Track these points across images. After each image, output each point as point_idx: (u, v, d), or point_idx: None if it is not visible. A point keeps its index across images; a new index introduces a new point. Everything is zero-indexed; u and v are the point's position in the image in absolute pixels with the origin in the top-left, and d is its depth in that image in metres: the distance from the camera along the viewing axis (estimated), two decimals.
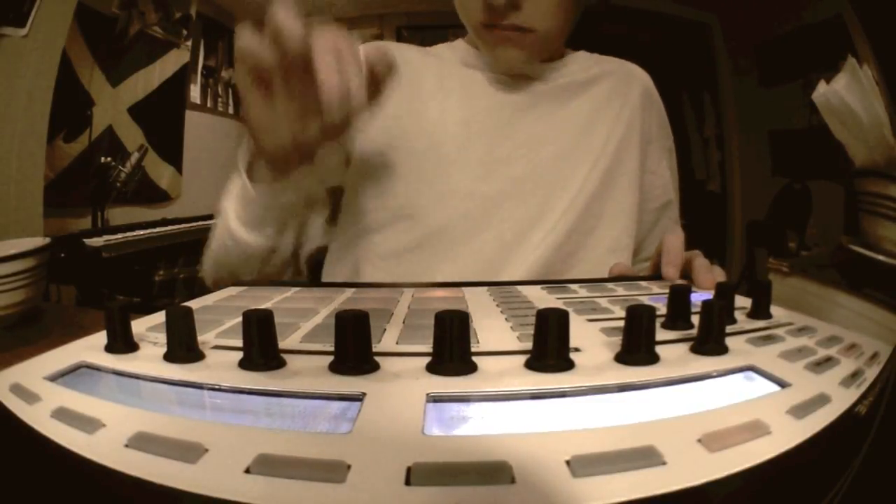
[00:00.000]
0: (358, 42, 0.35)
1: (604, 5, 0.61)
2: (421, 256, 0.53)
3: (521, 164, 0.55)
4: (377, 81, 0.38)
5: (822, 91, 0.63)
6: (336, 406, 0.17)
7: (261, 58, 0.34)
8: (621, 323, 0.21)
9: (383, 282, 0.42)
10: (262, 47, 0.34)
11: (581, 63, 0.61)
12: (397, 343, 0.23)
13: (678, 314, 0.25)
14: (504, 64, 0.56)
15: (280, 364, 0.20)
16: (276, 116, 0.37)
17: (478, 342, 0.23)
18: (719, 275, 0.38)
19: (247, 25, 0.34)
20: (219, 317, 0.27)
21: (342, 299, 0.33)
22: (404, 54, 0.62)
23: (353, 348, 0.19)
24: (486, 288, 0.37)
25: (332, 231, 0.59)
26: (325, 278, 0.61)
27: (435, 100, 0.57)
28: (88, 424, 0.16)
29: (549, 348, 0.19)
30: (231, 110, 2.74)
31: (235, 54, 0.35)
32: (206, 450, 0.14)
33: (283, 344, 0.22)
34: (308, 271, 0.57)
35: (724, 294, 0.27)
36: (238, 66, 0.36)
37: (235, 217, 0.45)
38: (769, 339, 0.23)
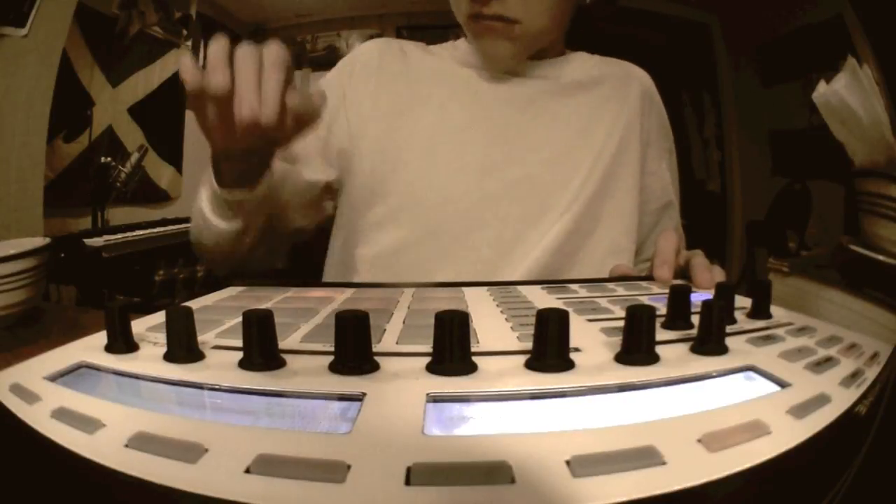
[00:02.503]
0: (284, 73, 0.38)
1: (604, 8, 0.61)
2: (418, 256, 0.53)
3: (519, 164, 0.55)
4: (302, 117, 0.40)
5: (822, 91, 0.63)
6: (336, 406, 0.17)
7: (192, 84, 0.37)
8: (621, 323, 0.21)
9: (383, 282, 0.42)
10: (194, 74, 0.37)
11: (580, 64, 0.61)
12: (397, 343, 0.23)
13: (678, 314, 0.25)
14: (491, 57, 0.56)
15: (280, 364, 0.20)
16: (211, 128, 0.41)
17: (478, 342, 0.23)
18: (719, 275, 0.38)
19: (188, 57, 0.38)
20: (219, 317, 0.27)
21: (342, 299, 0.33)
22: (405, 49, 0.62)
23: (353, 348, 0.19)
24: (486, 288, 0.37)
25: (319, 214, 0.59)
26: (325, 277, 0.61)
27: (434, 99, 0.57)
28: (88, 424, 0.16)
29: (549, 348, 0.19)
30: None
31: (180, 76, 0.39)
32: (206, 450, 0.14)
33: (283, 344, 0.22)
34: (292, 256, 0.58)
35: (724, 294, 0.27)
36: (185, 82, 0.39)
37: (207, 205, 0.47)
38: (769, 339, 0.23)
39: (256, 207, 0.47)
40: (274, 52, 0.37)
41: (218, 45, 0.37)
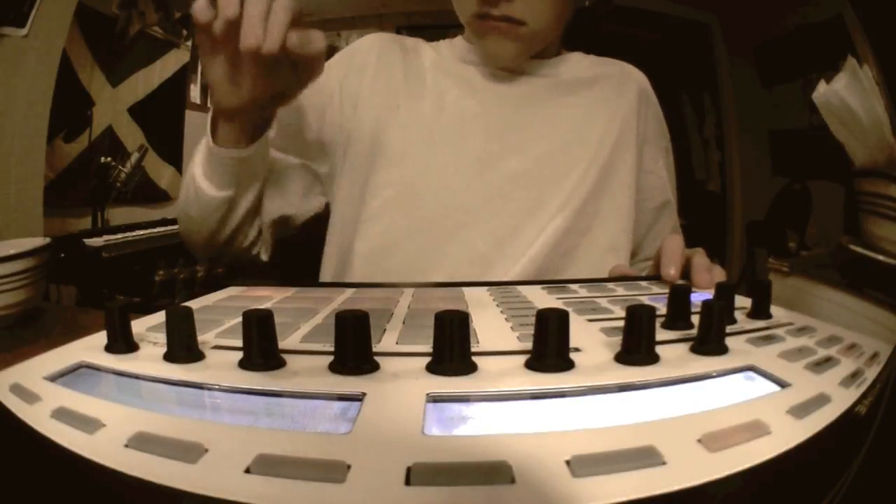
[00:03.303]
0: (290, 13, 0.39)
1: (606, 6, 0.61)
2: (413, 250, 0.54)
3: (515, 160, 0.55)
4: (303, 61, 0.41)
5: (822, 91, 0.63)
6: (336, 406, 0.17)
7: (202, 20, 0.39)
8: (621, 323, 0.21)
9: (380, 280, 0.42)
10: (206, 8, 0.39)
11: (578, 63, 0.61)
12: (397, 343, 0.23)
13: (678, 314, 0.25)
14: (494, 56, 0.56)
15: (280, 364, 0.20)
16: (222, 74, 0.42)
17: (478, 342, 0.23)
18: (719, 274, 0.38)
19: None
20: (219, 317, 0.27)
21: (342, 299, 0.33)
22: (404, 44, 0.62)
23: (353, 348, 0.19)
24: (486, 288, 0.37)
25: (307, 205, 0.60)
26: (322, 273, 0.61)
27: (431, 93, 0.57)
28: (88, 424, 0.16)
29: (549, 348, 0.19)
30: None
31: (192, 19, 0.40)
32: (206, 450, 0.14)
33: (283, 344, 0.22)
34: (275, 248, 0.58)
35: (724, 294, 0.27)
36: (196, 29, 0.42)
37: (200, 169, 0.48)
38: (769, 339, 0.23)
39: (248, 174, 0.49)
40: None
41: None
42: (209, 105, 0.48)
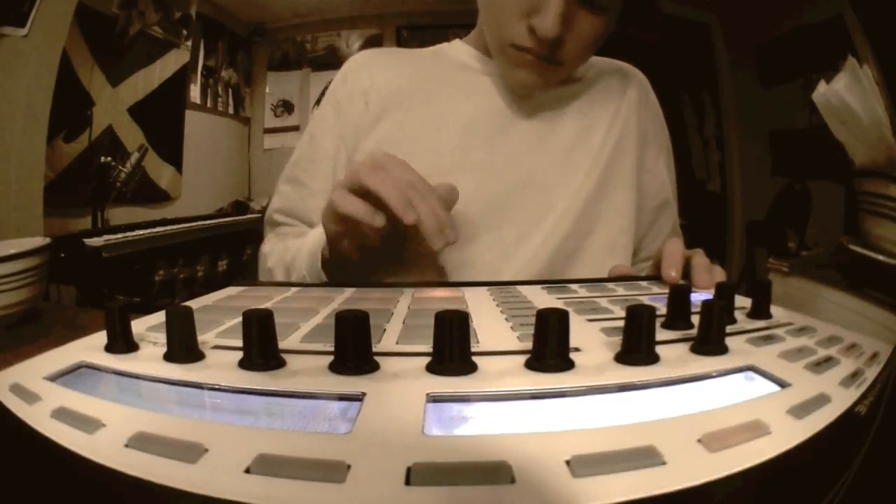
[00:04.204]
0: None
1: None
2: (420, 260, 0.53)
3: (521, 167, 0.55)
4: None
5: (822, 91, 0.63)
6: (336, 406, 0.17)
7: (373, 226, 0.39)
8: (621, 323, 0.21)
9: (383, 282, 0.43)
10: (373, 215, 0.39)
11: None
12: (397, 343, 0.23)
13: (678, 314, 0.25)
14: (520, 84, 0.55)
15: (280, 364, 0.20)
16: (351, 246, 0.43)
17: (478, 342, 0.23)
18: (719, 274, 0.38)
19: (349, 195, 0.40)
20: (219, 317, 0.27)
21: (342, 299, 0.33)
22: (404, 57, 0.62)
23: (353, 348, 0.19)
24: (486, 288, 0.37)
25: None
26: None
27: (436, 102, 0.57)
28: (88, 424, 0.16)
29: (549, 348, 0.19)
30: (231, 110, 2.74)
31: (338, 216, 0.40)
32: (206, 450, 0.14)
33: (283, 344, 0.22)
34: None
35: (724, 294, 0.27)
36: (333, 222, 0.42)
37: (306, 272, 0.50)
38: (769, 339, 0.23)
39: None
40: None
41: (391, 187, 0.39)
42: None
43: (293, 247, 0.53)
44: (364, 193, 0.39)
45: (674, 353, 0.21)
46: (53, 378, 0.20)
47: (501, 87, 0.57)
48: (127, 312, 0.23)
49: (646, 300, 0.31)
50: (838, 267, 0.75)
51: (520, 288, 0.36)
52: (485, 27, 0.56)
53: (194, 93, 2.41)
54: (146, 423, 0.15)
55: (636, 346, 0.20)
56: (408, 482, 0.13)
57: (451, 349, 0.19)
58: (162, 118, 2.17)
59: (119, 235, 1.75)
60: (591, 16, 0.48)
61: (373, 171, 0.39)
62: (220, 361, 0.21)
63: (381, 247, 0.43)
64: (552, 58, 0.50)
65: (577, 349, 0.21)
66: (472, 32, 0.60)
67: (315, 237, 0.49)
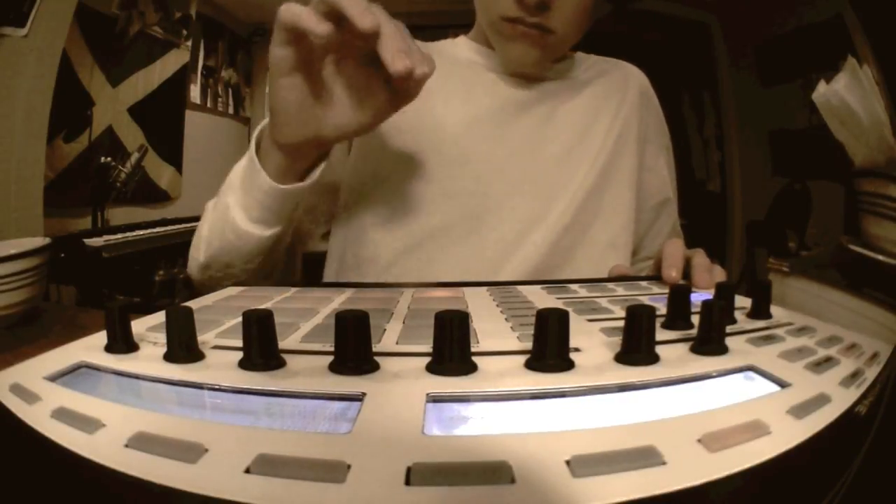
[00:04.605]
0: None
1: (629, 8, 0.61)
2: (421, 256, 0.53)
3: (523, 163, 0.55)
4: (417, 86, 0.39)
5: (822, 91, 0.63)
6: (336, 406, 0.17)
7: (318, 31, 0.33)
8: (621, 323, 0.21)
9: (383, 282, 0.42)
10: (318, 22, 0.33)
11: (580, 64, 0.61)
12: (397, 343, 0.23)
13: (678, 314, 0.25)
14: (516, 61, 0.56)
15: (280, 364, 0.20)
16: (303, 98, 0.38)
17: (478, 342, 0.23)
18: (719, 274, 0.38)
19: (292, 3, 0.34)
20: (219, 317, 0.27)
21: (342, 299, 0.33)
22: None
23: (353, 348, 0.19)
24: (486, 288, 0.37)
25: (327, 224, 0.59)
26: (325, 279, 0.61)
27: (438, 97, 0.57)
28: (88, 424, 0.16)
29: (549, 348, 0.19)
30: (231, 110, 2.74)
31: (282, 26, 0.34)
32: (206, 450, 0.14)
33: (283, 344, 0.22)
34: (302, 270, 0.58)
35: (724, 294, 0.27)
36: (280, 44, 0.36)
37: (242, 212, 0.45)
38: (769, 339, 0.23)
39: (294, 208, 0.46)
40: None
41: None
42: (265, 139, 0.44)
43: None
44: (325, 13, 0.34)
45: (674, 353, 0.21)
46: (53, 378, 0.20)
47: (505, 84, 0.57)
48: (127, 312, 0.23)
49: (646, 300, 0.31)
50: (838, 267, 0.75)
51: (520, 288, 0.36)
52: (477, 8, 0.56)
53: (194, 93, 2.41)
54: (146, 424, 0.15)
55: (636, 346, 0.20)
56: (408, 482, 0.13)
57: (451, 349, 0.19)
58: (162, 118, 2.17)
59: (119, 235, 1.75)
60: None
61: None
62: (220, 361, 0.21)
63: (328, 77, 0.37)
64: (543, 25, 0.50)
65: (576, 349, 0.21)
66: (474, 28, 0.61)
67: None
